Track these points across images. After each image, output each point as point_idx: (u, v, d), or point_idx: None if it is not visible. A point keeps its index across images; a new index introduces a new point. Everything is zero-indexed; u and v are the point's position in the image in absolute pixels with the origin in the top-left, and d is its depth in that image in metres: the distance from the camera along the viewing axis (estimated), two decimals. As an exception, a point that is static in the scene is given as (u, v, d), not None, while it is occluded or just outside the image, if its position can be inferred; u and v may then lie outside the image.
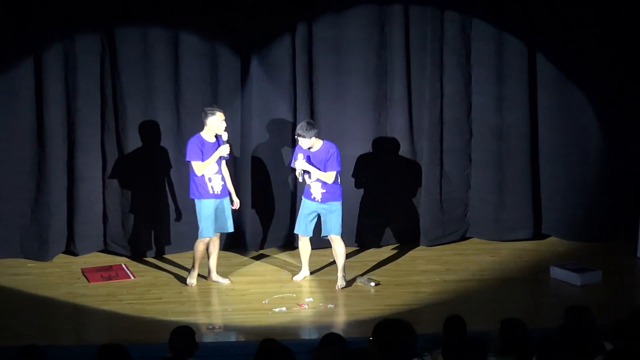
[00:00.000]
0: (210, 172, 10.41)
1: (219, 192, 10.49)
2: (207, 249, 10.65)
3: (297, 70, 11.65)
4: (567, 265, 10.81)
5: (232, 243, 11.77)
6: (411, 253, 11.79)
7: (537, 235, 12.15)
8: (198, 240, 10.54)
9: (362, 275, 10.91)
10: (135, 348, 6.89)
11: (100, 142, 11.55)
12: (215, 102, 11.46)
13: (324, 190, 10.46)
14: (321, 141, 10.54)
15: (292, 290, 10.50)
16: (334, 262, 10.86)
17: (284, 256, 11.66)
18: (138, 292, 10.58)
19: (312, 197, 10.52)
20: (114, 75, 11.45)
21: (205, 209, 10.43)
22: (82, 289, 10.69)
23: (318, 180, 10.42)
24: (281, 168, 11.80)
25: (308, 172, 10.42)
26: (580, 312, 7.22)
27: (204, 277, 10.79)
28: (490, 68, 11.86)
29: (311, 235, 10.75)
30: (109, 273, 11.09)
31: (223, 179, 10.56)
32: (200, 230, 10.49)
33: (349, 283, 10.67)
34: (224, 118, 10.46)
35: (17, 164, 11.36)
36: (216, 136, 10.49)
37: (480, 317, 9.33)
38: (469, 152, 12.11)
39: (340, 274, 10.65)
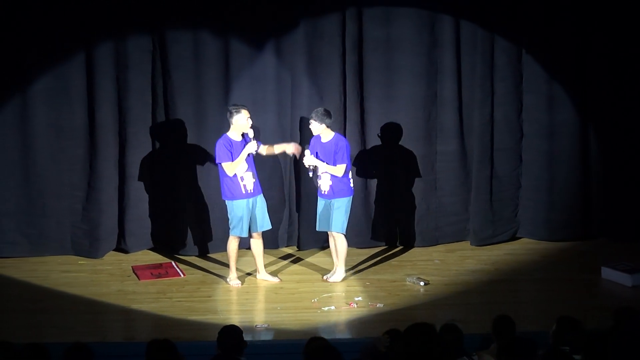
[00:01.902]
0: (242, 171, 10.37)
1: (252, 191, 10.45)
2: (251, 249, 10.67)
3: (347, 69, 11.63)
4: (619, 266, 10.69)
5: (285, 242, 11.85)
6: (461, 253, 11.72)
7: (588, 235, 12.03)
8: (230, 239, 10.55)
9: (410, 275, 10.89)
10: (184, 345, 6.93)
11: (151, 141, 11.62)
12: (265, 101, 11.51)
13: (332, 184, 10.47)
14: (333, 133, 10.53)
15: (341, 289, 10.49)
16: (382, 261, 10.85)
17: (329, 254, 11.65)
18: (188, 290, 10.62)
19: (322, 191, 10.54)
20: (165, 74, 11.51)
21: (238, 209, 10.40)
22: (132, 286, 10.76)
23: (326, 172, 10.43)
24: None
25: (316, 168, 10.45)
26: (630, 314, 7.14)
27: (252, 275, 10.82)
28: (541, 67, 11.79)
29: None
30: (159, 271, 11.14)
31: (255, 175, 10.50)
32: (231, 229, 10.49)
33: (397, 282, 10.66)
34: (249, 115, 10.44)
35: (69, 161, 11.46)
36: (243, 134, 10.46)
37: (530, 318, 9.27)
38: (519, 152, 12.01)
39: (340, 268, 10.67)
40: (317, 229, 10.87)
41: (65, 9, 11.14)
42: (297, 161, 11.28)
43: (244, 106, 10.54)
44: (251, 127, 10.46)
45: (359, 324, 9.62)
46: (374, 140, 11.77)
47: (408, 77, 11.70)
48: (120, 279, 10.99)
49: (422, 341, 6.33)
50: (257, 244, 10.66)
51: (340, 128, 11.60)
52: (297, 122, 11.63)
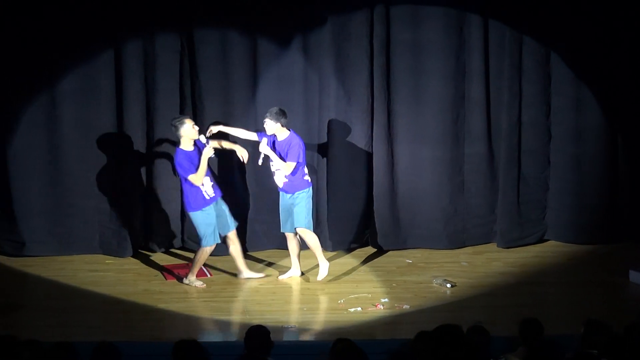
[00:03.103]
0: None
1: (214, 195, 10.52)
2: (231, 252, 10.73)
3: (375, 70, 11.62)
4: (648, 269, 10.66)
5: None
6: (488, 255, 11.69)
7: (615, 238, 11.97)
8: (203, 249, 10.54)
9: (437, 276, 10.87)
10: (210, 345, 6.94)
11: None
12: (292, 102, 11.51)
13: (286, 180, 10.55)
14: (288, 132, 10.58)
15: (367, 291, 10.47)
16: (408, 263, 10.86)
17: (361, 256, 11.64)
18: (214, 290, 10.64)
19: (278, 186, 10.66)
20: (193, 74, 11.54)
21: (206, 217, 10.44)
22: (159, 286, 10.80)
23: (279, 169, 10.53)
24: (358, 168, 11.80)
25: (267, 157, 10.53)
26: None
27: (234, 274, 10.89)
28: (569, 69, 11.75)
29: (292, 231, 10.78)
30: (186, 271, 11.16)
31: (212, 179, 10.58)
32: (203, 239, 10.48)
33: (423, 284, 10.68)
34: (193, 123, 10.47)
35: (97, 161, 11.51)
36: (195, 142, 10.45)
37: (558, 321, 9.22)
38: (547, 154, 11.97)
39: (323, 263, 10.74)
40: (281, 230, 10.89)
41: (94, 9, 11.19)
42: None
43: (185, 116, 10.64)
44: (200, 133, 10.50)
45: (385, 325, 9.60)
46: (401, 142, 11.75)
47: (436, 79, 11.68)
48: (147, 278, 11.03)
49: (449, 343, 6.32)
50: (235, 245, 10.72)
51: (368, 129, 11.62)
52: (324, 124, 11.64)
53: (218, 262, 11.36)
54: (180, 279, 10.82)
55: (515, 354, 7.05)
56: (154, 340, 9.05)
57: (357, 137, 11.75)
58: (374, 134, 11.65)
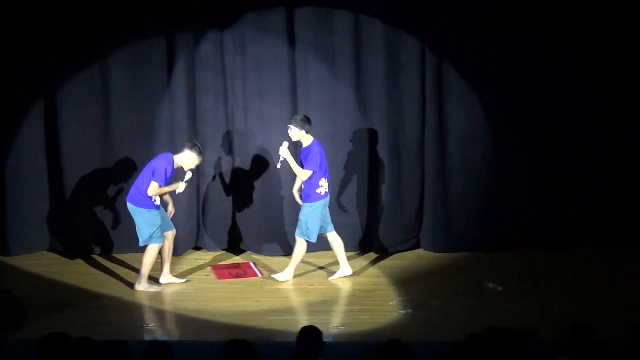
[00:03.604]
0: None
1: (159, 203, 10.54)
2: (164, 250, 10.72)
3: (427, 71, 11.60)
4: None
5: (363, 245, 11.90)
6: (534, 258, 11.59)
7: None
8: (154, 247, 10.51)
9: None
10: (261, 345, 6.95)
11: (229, 142, 11.70)
12: (344, 103, 11.52)
13: (303, 188, 10.62)
14: (312, 139, 10.58)
15: (418, 292, 10.45)
16: (460, 266, 10.85)
17: (413, 257, 11.63)
18: (266, 290, 10.67)
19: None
20: (244, 74, 11.57)
21: (153, 218, 10.45)
22: (210, 285, 10.86)
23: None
24: (409, 170, 11.80)
25: (285, 161, 10.55)
26: None
27: (155, 279, 10.83)
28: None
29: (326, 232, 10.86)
30: (237, 271, 11.20)
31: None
32: (149, 238, 10.47)
33: (471, 286, 10.63)
34: (200, 160, 10.55)
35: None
36: (182, 168, 10.50)
37: (606, 324, 9.12)
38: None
39: (289, 269, 10.84)
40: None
41: (146, 9, 11.28)
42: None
43: (204, 152, 10.69)
44: (191, 171, 10.54)
45: (434, 327, 9.56)
46: (454, 143, 11.71)
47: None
48: (199, 278, 11.08)
49: (497, 346, 6.28)
50: (170, 246, 10.75)
51: (419, 130, 11.60)
52: (372, 124, 11.68)
53: (271, 261, 11.41)
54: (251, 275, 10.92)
55: (566, 359, 6.99)
56: (205, 340, 9.08)
57: (407, 137, 11.79)
58: (424, 135, 11.66)
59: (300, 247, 10.74)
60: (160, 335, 9.36)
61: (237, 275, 11.08)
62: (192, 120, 11.62)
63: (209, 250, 11.93)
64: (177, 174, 10.55)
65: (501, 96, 11.62)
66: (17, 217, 11.79)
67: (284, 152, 10.53)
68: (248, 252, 11.91)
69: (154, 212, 10.45)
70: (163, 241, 10.55)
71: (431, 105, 11.60)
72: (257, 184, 11.76)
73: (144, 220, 10.44)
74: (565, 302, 10.06)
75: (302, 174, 10.51)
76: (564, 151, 11.73)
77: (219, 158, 11.74)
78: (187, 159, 10.45)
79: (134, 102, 11.57)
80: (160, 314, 10.01)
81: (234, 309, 10.04)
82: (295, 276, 10.90)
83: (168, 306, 10.22)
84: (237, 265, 11.40)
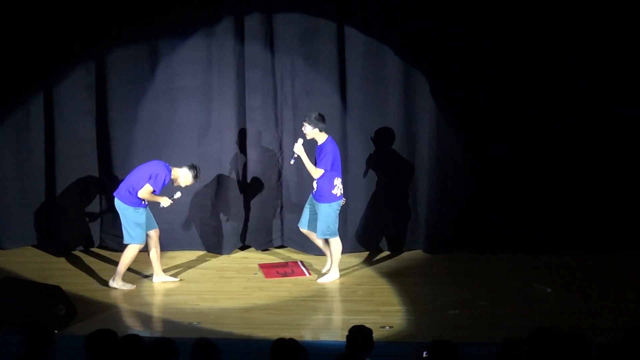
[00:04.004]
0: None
1: (147, 203, 10.56)
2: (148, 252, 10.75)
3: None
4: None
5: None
6: (583, 260, 11.47)
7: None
8: (134, 248, 10.52)
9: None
10: (309, 345, 6.93)
11: (279, 140, 11.71)
12: (388, 102, 11.49)
13: (316, 187, 10.58)
14: (325, 137, 10.54)
15: (466, 292, 10.39)
16: (505, 267, 10.82)
17: (460, 258, 11.58)
18: (313, 289, 10.66)
19: (313, 190, 10.69)
20: (293, 73, 11.57)
21: (139, 217, 10.47)
22: (258, 283, 10.88)
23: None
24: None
25: (299, 158, 10.53)
26: None
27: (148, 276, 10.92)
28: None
29: (305, 228, 10.88)
30: (285, 269, 11.21)
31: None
32: (132, 238, 10.48)
33: (518, 287, 10.57)
34: (194, 182, 10.63)
35: (200, 158, 11.63)
36: (174, 185, 10.59)
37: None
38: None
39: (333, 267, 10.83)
40: (298, 224, 11.00)
41: (194, 8, 11.37)
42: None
43: (199, 178, 10.75)
44: (181, 192, 10.61)
45: (483, 327, 9.48)
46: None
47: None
48: (246, 276, 11.11)
49: (548, 348, 6.22)
50: (156, 245, 10.74)
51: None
52: (422, 124, 11.63)
53: (314, 260, 11.41)
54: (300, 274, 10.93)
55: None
56: (252, 338, 9.09)
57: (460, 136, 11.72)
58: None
59: (335, 245, 10.71)
60: (207, 333, 9.36)
61: (285, 274, 11.08)
62: (241, 119, 11.64)
63: (256, 249, 11.94)
64: (167, 186, 10.63)
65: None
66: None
67: (299, 149, 10.51)
68: (296, 250, 11.92)
69: (141, 211, 10.50)
70: (145, 241, 10.59)
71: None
72: (306, 183, 11.74)
73: (129, 219, 10.50)
74: (616, 304, 9.95)
75: (315, 172, 10.47)
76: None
77: (267, 156, 11.74)
78: (182, 177, 10.55)
79: (189, 100, 11.62)
80: (207, 311, 10.02)
81: (281, 307, 10.04)
82: (341, 275, 10.88)
83: (215, 304, 10.23)
84: (284, 264, 11.41)
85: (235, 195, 11.75)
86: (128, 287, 10.63)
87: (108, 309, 9.93)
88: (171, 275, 10.97)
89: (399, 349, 8.85)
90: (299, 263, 11.49)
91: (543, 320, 9.38)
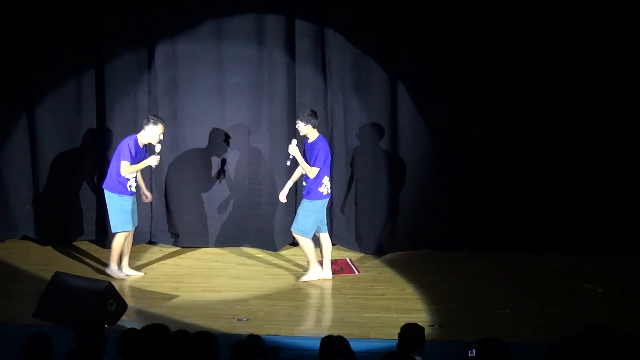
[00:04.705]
0: (132, 175, 10.58)
1: (134, 191, 10.65)
2: (125, 244, 10.83)
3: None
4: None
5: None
6: (634, 260, 11.38)
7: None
8: (119, 235, 10.65)
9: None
10: (357, 343, 6.94)
11: (329, 138, 11.72)
12: (436, 98, 11.48)
13: (305, 184, 10.52)
14: (317, 135, 10.49)
15: (514, 292, 10.33)
16: (551, 266, 10.77)
17: (508, 259, 11.52)
18: (362, 287, 10.66)
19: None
20: (343, 71, 11.58)
21: (125, 204, 10.58)
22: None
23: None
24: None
25: (294, 159, 10.49)
26: None
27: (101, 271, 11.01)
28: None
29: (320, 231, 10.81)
30: (334, 267, 11.21)
31: (136, 179, 10.71)
32: (119, 224, 10.61)
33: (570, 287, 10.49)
34: (162, 131, 10.56)
35: (251, 155, 11.68)
36: (149, 144, 10.62)
37: None
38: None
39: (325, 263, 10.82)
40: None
41: (248, 10, 11.42)
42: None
43: (162, 120, 10.66)
44: (159, 142, 10.58)
45: (534, 327, 9.42)
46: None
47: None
48: (295, 273, 11.12)
49: (600, 349, 6.17)
50: (129, 239, 10.86)
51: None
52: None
53: (364, 258, 11.39)
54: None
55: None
56: (299, 335, 9.10)
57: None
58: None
59: (303, 242, 10.68)
60: (256, 329, 9.39)
61: (334, 272, 11.08)
62: (291, 116, 11.67)
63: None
64: (150, 151, 10.71)
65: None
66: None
67: (293, 150, 10.50)
68: (345, 248, 11.93)
69: (127, 199, 10.62)
70: (132, 229, 10.75)
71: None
72: (357, 179, 11.76)
73: (115, 207, 10.64)
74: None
75: (310, 172, 10.45)
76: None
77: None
78: (149, 134, 10.58)
79: (240, 98, 11.67)
80: (257, 308, 10.05)
81: (330, 305, 10.05)
82: (392, 274, 10.87)
83: (264, 300, 10.26)
84: (334, 262, 11.40)
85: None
86: (120, 276, 10.81)
87: (158, 304, 9.99)
88: (134, 269, 11.13)
89: (447, 347, 8.81)
90: (348, 261, 11.50)
91: (594, 320, 9.30)
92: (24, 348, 6.38)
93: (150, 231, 12.22)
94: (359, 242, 11.90)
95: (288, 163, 10.66)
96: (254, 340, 6.53)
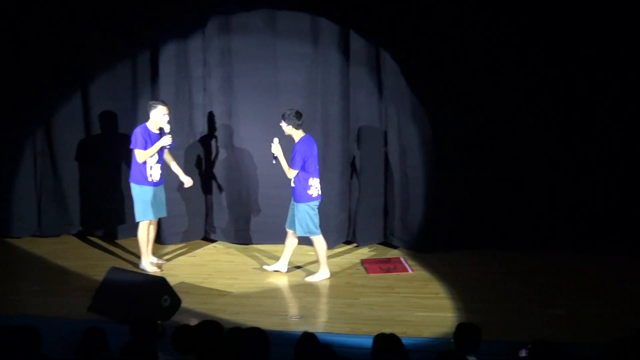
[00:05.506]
0: (152, 162, 10.74)
1: (157, 181, 10.79)
2: (148, 234, 10.99)
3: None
4: None
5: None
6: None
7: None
8: (141, 226, 10.84)
9: None
10: (409, 341, 6.92)
11: (384, 136, 11.71)
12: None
13: (293, 185, 10.50)
14: (301, 136, 10.48)
15: (568, 292, 10.24)
16: (601, 267, 10.70)
17: (562, 258, 11.44)
18: (415, 285, 10.63)
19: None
20: (396, 72, 11.56)
21: (144, 194, 10.75)
22: (360, 279, 10.88)
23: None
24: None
25: (277, 158, 10.48)
26: None
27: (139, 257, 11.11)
28: None
29: (288, 227, 10.85)
30: (388, 265, 11.20)
31: (162, 168, 10.84)
32: (139, 214, 10.81)
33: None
34: (166, 112, 10.70)
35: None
36: (160, 129, 10.75)
37: None
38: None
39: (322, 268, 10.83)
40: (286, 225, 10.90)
41: (302, 8, 11.46)
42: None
43: (163, 102, 10.83)
44: (168, 123, 10.70)
45: (590, 329, 9.32)
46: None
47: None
48: (349, 271, 11.13)
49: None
50: (152, 229, 11.06)
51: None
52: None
53: (418, 257, 11.37)
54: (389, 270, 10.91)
55: None
56: (354, 333, 9.09)
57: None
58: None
59: (317, 243, 10.71)
60: (310, 327, 9.40)
61: (387, 270, 11.07)
62: (345, 114, 11.66)
63: (359, 245, 11.96)
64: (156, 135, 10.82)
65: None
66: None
67: (275, 149, 10.49)
68: (399, 247, 11.92)
69: (147, 189, 10.81)
70: (153, 218, 10.95)
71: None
72: (411, 178, 11.73)
73: (137, 197, 10.87)
74: None
75: (288, 173, 10.48)
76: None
77: (372, 153, 11.75)
78: (156, 117, 10.77)
79: (295, 95, 11.71)
80: (310, 305, 10.06)
81: (384, 303, 10.03)
82: (446, 273, 10.84)
83: (318, 298, 10.27)
84: (387, 260, 11.39)
85: (340, 191, 11.78)
86: (152, 269, 10.98)
87: (212, 300, 10.04)
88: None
89: (501, 347, 8.76)
90: (402, 259, 11.47)
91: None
92: (79, 342, 6.44)
93: (205, 227, 12.28)
94: (412, 241, 11.85)
95: (274, 162, 10.65)
96: (308, 338, 6.54)
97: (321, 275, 10.81)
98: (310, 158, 10.48)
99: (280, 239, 11.77)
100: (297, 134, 10.52)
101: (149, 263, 11.02)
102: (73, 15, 11.83)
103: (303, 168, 10.42)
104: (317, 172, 10.59)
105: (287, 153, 10.56)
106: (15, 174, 12.37)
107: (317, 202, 10.61)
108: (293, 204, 10.67)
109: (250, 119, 11.88)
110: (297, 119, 10.46)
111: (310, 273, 10.90)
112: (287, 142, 10.69)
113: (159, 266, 11.14)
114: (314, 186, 10.54)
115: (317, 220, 10.64)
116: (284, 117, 10.49)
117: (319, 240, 10.70)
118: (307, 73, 11.70)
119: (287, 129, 10.49)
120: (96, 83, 12.15)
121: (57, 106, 12.29)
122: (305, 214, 10.57)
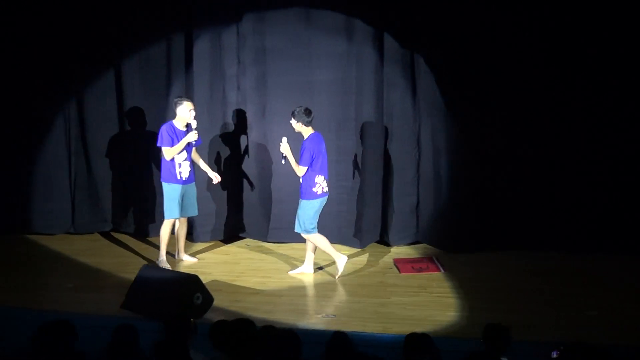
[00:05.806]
0: (180, 159, 10.81)
1: (186, 179, 10.86)
2: (176, 231, 11.14)
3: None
4: None
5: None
6: None
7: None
8: (165, 223, 10.93)
9: None
10: (441, 341, 6.90)
11: (416, 135, 11.68)
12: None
13: (301, 182, 10.49)
14: (309, 133, 10.47)
15: (601, 293, 10.17)
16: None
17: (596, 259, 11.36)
18: (448, 285, 10.61)
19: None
20: (430, 73, 11.56)
21: (172, 192, 10.83)
22: (393, 278, 10.87)
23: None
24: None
25: (286, 157, 10.49)
26: None
27: (172, 255, 11.31)
28: None
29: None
30: (420, 265, 11.18)
31: (191, 165, 10.92)
32: (166, 211, 10.89)
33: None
34: (192, 108, 10.77)
35: (338, 152, 11.69)
36: (187, 125, 10.81)
37: None
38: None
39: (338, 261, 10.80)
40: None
41: (336, 7, 11.49)
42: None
43: (188, 99, 10.93)
44: (194, 119, 10.76)
45: (624, 330, 9.27)
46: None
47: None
48: (382, 271, 11.12)
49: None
50: (182, 227, 11.16)
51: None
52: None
53: (450, 257, 11.33)
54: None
55: None
56: (385, 332, 9.08)
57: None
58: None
59: (314, 240, 10.69)
60: (342, 326, 9.41)
61: (420, 270, 11.05)
62: (379, 113, 11.65)
63: (391, 244, 11.95)
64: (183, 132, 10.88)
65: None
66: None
67: (284, 148, 10.50)
68: (431, 246, 11.90)
69: (175, 187, 10.90)
70: (179, 216, 11.00)
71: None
72: (444, 178, 11.71)
73: (165, 194, 10.97)
74: None
75: (298, 171, 10.48)
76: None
77: (405, 152, 11.73)
78: (183, 114, 10.84)
79: (333, 94, 11.72)
80: (342, 305, 10.06)
81: (416, 303, 10.02)
82: (478, 273, 10.80)
83: (350, 297, 10.27)
84: (419, 260, 11.38)
85: (372, 190, 11.77)
86: (167, 265, 11.04)
87: (244, 299, 10.06)
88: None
89: (532, 348, 8.73)
90: (434, 259, 11.45)
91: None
92: (110, 339, 6.47)
93: (237, 226, 12.31)
94: (445, 241, 11.82)
95: (283, 162, 10.67)
96: (340, 338, 6.53)
97: (305, 269, 10.95)
98: (319, 155, 10.50)
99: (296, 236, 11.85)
100: (307, 131, 10.55)
101: (165, 260, 11.07)
102: (110, 14, 11.98)
103: (310, 165, 10.43)
104: (325, 170, 10.61)
105: (295, 152, 10.59)
106: (51, 172, 12.48)
107: (321, 200, 10.62)
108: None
109: (284, 118, 11.86)
110: (307, 116, 10.49)
111: (333, 272, 10.90)
112: (296, 142, 10.72)
113: (190, 265, 11.19)
114: (319, 184, 10.56)
115: (316, 220, 10.65)
116: (293, 115, 10.52)
117: (316, 237, 10.71)
118: (341, 72, 11.69)
119: (297, 126, 10.53)
120: (130, 81, 12.23)
121: (92, 104, 12.39)
122: (305, 212, 10.59)
